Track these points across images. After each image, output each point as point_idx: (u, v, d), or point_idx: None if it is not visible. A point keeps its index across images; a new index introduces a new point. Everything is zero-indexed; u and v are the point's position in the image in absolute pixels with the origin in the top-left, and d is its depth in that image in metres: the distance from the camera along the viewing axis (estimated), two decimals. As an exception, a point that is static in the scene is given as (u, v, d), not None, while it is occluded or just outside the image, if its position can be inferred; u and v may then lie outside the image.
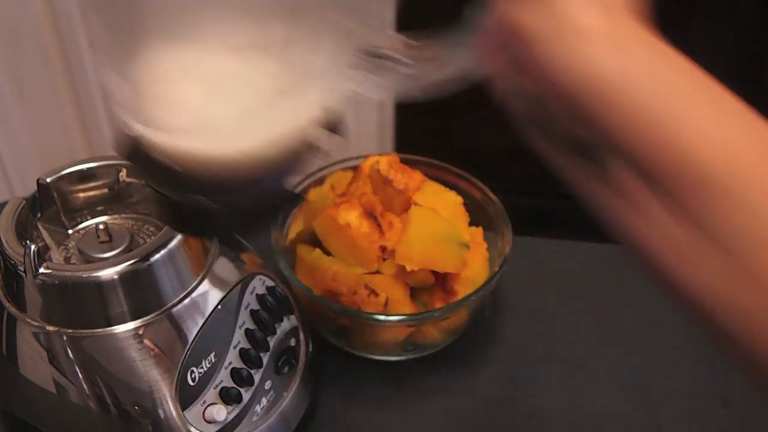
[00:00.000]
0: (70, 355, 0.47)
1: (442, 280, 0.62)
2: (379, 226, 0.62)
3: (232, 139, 0.37)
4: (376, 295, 0.59)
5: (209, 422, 0.49)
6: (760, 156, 0.29)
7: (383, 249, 0.61)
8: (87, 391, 0.47)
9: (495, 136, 1.60)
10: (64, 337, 0.47)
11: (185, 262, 0.50)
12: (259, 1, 0.37)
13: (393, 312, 0.60)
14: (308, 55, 0.37)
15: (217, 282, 0.51)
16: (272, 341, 0.54)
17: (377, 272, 0.61)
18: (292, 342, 0.56)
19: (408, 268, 0.59)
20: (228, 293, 0.52)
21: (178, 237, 0.49)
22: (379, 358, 0.64)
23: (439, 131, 1.62)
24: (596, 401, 0.61)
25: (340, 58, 0.37)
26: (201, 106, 0.37)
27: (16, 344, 0.49)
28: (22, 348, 0.49)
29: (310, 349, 0.58)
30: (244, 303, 0.53)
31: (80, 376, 0.47)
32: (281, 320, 0.55)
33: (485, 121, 1.57)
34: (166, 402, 0.48)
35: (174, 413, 0.48)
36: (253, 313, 0.53)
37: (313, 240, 0.64)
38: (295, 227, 0.66)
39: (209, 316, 0.50)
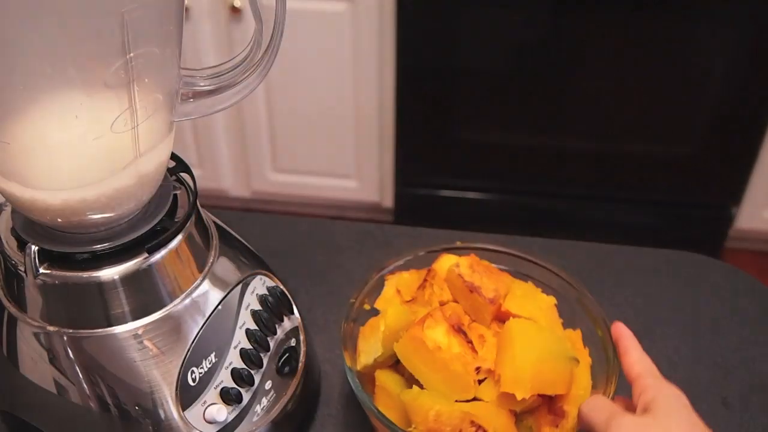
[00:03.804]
0: (71, 356, 0.47)
1: (548, 400, 0.54)
2: (470, 342, 0.53)
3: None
4: (484, 431, 0.50)
5: (210, 422, 0.49)
6: None
7: (477, 369, 0.53)
8: (87, 392, 0.47)
9: (496, 136, 1.61)
10: (65, 338, 0.47)
11: (186, 262, 0.50)
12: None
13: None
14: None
15: (218, 282, 0.51)
16: (273, 341, 0.54)
17: (474, 399, 0.53)
18: (293, 342, 0.56)
19: (519, 397, 0.50)
20: (228, 293, 0.52)
21: (179, 237, 0.49)
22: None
23: (439, 132, 1.62)
24: (596, 401, 0.61)
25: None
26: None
27: (17, 344, 0.49)
28: (22, 348, 0.49)
29: (311, 349, 0.58)
30: (245, 303, 0.53)
31: (81, 376, 0.47)
32: (282, 320, 0.55)
33: (487, 120, 1.58)
34: (167, 402, 0.48)
35: (174, 413, 0.48)
36: (254, 313, 0.53)
37: (392, 363, 0.56)
38: (363, 347, 0.56)
39: (210, 316, 0.50)
